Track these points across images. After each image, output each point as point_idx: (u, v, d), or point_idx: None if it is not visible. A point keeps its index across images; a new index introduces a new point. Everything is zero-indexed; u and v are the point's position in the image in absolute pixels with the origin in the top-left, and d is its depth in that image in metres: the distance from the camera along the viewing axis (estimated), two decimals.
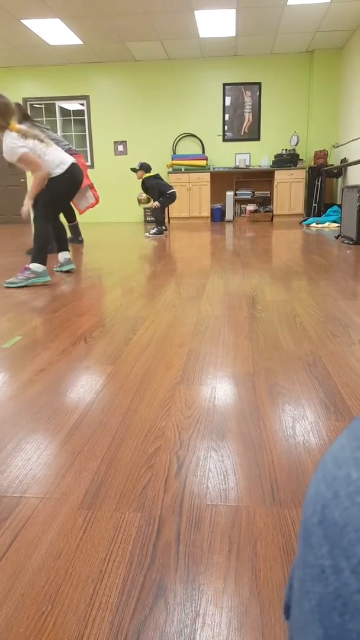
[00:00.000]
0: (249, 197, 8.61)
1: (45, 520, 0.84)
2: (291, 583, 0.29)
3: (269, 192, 8.59)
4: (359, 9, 6.33)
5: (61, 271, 3.54)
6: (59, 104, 9.01)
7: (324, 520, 0.22)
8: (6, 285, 3.00)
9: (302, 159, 8.42)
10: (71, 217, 5.28)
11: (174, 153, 8.86)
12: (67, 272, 3.53)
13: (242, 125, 8.70)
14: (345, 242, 4.92)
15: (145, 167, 6.07)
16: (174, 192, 6.29)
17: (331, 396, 1.31)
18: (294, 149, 8.38)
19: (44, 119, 8.95)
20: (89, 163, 9.04)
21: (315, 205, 8.03)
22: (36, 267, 3.05)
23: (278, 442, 1.08)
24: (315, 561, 0.22)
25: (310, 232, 6.21)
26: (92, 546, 0.77)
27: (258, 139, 8.72)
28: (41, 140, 2.96)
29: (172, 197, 6.25)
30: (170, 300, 2.51)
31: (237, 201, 8.68)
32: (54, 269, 3.58)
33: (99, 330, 2.01)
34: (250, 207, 8.62)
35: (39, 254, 3.07)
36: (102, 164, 9.08)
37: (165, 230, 6.48)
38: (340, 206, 6.27)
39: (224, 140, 8.79)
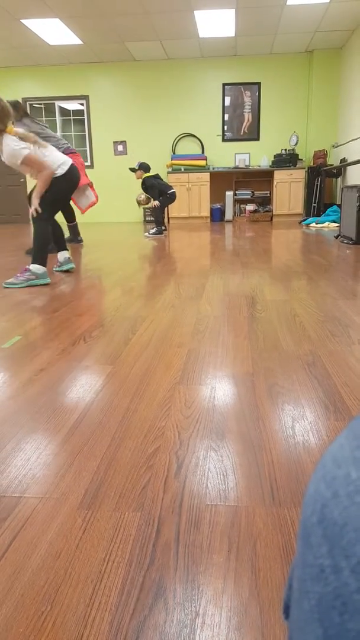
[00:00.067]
0: (249, 197, 8.61)
1: (45, 520, 0.84)
2: (291, 583, 0.29)
3: (268, 192, 8.60)
4: (358, 9, 6.33)
5: (61, 271, 3.54)
6: (58, 103, 9.01)
7: (324, 520, 0.22)
8: (6, 285, 3.00)
9: (301, 159, 8.42)
10: (71, 218, 5.28)
11: (174, 153, 8.86)
12: (67, 271, 3.53)
13: (242, 125, 8.70)
14: (345, 241, 4.92)
15: (144, 167, 6.05)
16: (174, 192, 6.28)
17: (330, 396, 1.31)
18: (293, 149, 8.39)
19: (44, 118, 8.95)
20: (88, 163, 9.03)
21: (315, 205, 8.03)
22: (37, 268, 3.04)
23: (277, 441, 1.08)
24: (315, 561, 0.22)
25: (310, 232, 6.21)
26: (91, 546, 0.77)
27: (257, 139, 8.72)
28: (38, 144, 2.96)
29: (172, 197, 6.25)
30: (170, 300, 2.51)
31: (237, 201, 8.68)
32: (54, 269, 3.58)
33: (99, 330, 2.01)
34: (250, 207, 8.62)
35: (39, 255, 3.07)
36: (102, 163, 9.08)
37: (165, 230, 6.47)
38: (339, 206, 6.27)
39: (224, 140, 8.79)
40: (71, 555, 0.76)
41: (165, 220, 7.47)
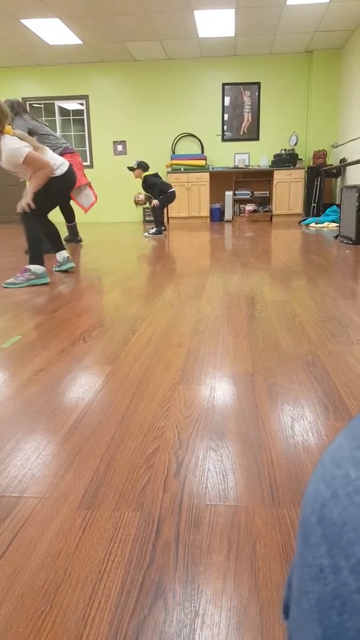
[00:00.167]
0: (248, 197, 8.61)
1: (44, 520, 0.84)
2: (290, 582, 0.29)
3: (268, 192, 8.60)
4: (358, 9, 6.34)
5: (61, 270, 3.53)
6: (58, 103, 9.00)
7: (323, 520, 0.22)
8: (5, 285, 3.00)
9: (301, 159, 8.42)
10: (70, 218, 5.28)
11: (173, 153, 8.86)
12: (66, 271, 3.53)
13: (241, 125, 8.70)
14: (344, 241, 4.93)
15: (143, 166, 6.00)
16: (174, 191, 6.24)
17: (330, 396, 1.31)
18: (293, 149, 8.39)
19: (43, 118, 8.94)
20: (88, 163, 9.03)
21: (314, 205, 8.03)
22: (36, 268, 3.05)
23: (277, 441, 1.08)
24: (314, 560, 0.22)
25: (309, 232, 6.22)
26: (91, 546, 0.77)
27: (257, 138, 8.72)
28: (36, 147, 2.95)
29: (172, 196, 6.21)
30: (170, 300, 2.51)
31: (236, 201, 8.68)
32: (53, 269, 3.58)
33: (98, 330, 2.01)
34: (250, 207, 8.62)
35: (36, 255, 3.07)
36: (102, 163, 9.08)
37: (165, 230, 6.46)
38: (339, 206, 6.27)
39: (223, 140, 8.79)
40: (71, 555, 0.76)
41: (165, 220, 7.46)
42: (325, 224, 6.97)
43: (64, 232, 5.49)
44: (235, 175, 8.70)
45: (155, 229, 6.22)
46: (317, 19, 6.62)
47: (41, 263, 3.09)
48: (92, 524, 0.83)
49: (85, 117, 8.94)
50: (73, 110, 9.23)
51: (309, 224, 7.20)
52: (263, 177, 8.59)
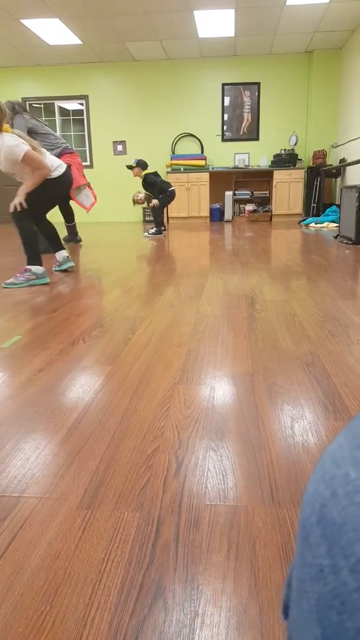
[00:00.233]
0: (248, 197, 8.61)
1: (44, 520, 0.84)
2: (290, 582, 0.29)
3: (267, 192, 8.60)
4: (358, 9, 6.34)
5: (61, 270, 3.53)
6: (58, 103, 9.00)
7: (323, 520, 0.22)
8: (5, 285, 3.00)
9: (301, 159, 8.42)
10: (69, 218, 5.28)
11: (173, 153, 8.86)
12: (66, 270, 3.53)
13: (241, 125, 8.70)
14: (344, 242, 4.93)
15: (142, 164, 5.94)
16: (174, 189, 6.21)
17: (330, 396, 1.31)
18: (292, 149, 8.39)
19: (43, 118, 8.94)
20: (87, 163, 9.03)
21: (314, 205, 8.03)
22: (36, 268, 3.04)
23: (277, 441, 1.08)
24: (314, 560, 0.22)
25: (309, 232, 6.22)
26: (90, 546, 0.77)
27: (257, 139, 8.72)
28: (34, 147, 2.94)
29: (172, 195, 6.17)
30: (169, 300, 2.51)
31: (236, 201, 8.68)
32: (53, 269, 3.58)
33: (98, 330, 2.01)
34: (249, 207, 8.62)
35: (33, 255, 3.05)
36: (101, 163, 9.08)
37: (164, 230, 6.45)
38: (339, 206, 6.27)
39: (223, 140, 8.79)
40: (70, 555, 0.76)
41: (165, 220, 7.45)
42: (325, 224, 6.98)
43: (63, 232, 5.49)
44: (235, 175, 8.70)
45: (155, 229, 6.21)
46: (317, 19, 6.63)
47: (39, 262, 3.08)
48: (91, 524, 0.83)
49: (85, 117, 8.94)
50: (73, 110, 9.23)
51: (309, 224, 7.20)
52: (263, 177, 8.59)
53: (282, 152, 8.42)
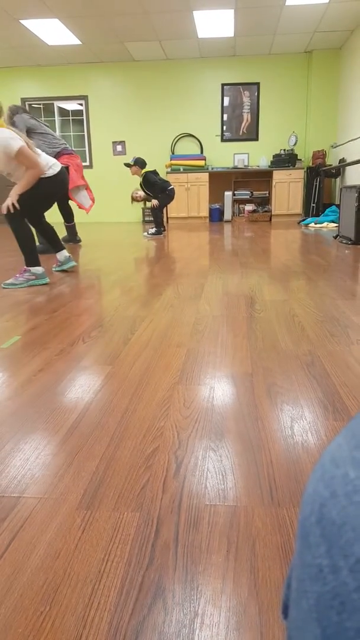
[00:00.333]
0: (248, 197, 8.61)
1: (44, 521, 0.84)
2: (289, 582, 0.29)
3: (267, 192, 8.60)
4: (357, 10, 6.34)
5: (61, 270, 3.53)
6: (57, 104, 9.00)
7: (322, 520, 0.22)
8: (5, 286, 3.00)
9: (300, 159, 8.42)
10: (69, 218, 5.28)
11: (173, 153, 8.86)
12: (67, 270, 3.52)
13: (241, 126, 8.70)
14: (344, 242, 4.93)
15: (140, 162, 5.87)
16: (173, 188, 6.16)
17: (329, 396, 1.31)
18: (292, 149, 8.39)
19: (43, 119, 8.94)
20: (87, 163, 9.03)
21: (314, 205, 8.03)
22: (35, 269, 3.04)
23: (276, 441, 1.08)
24: (313, 560, 0.22)
25: (309, 232, 6.22)
26: (90, 546, 0.77)
27: (256, 139, 8.72)
28: (30, 147, 2.92)
29: (171, 195, 6.13)
30: (169, 300, 2.51)
31: (236, 201, 8.68)
32: (53, 269, 3.58)
33: (98, 330, 2.01)
34: (249, 207, 8.62)
35: (31, 256, 3.02)
36: (101, 164, 9.08)
37: (164, 230, 6.44)
38: (338, 206, 6.28)
39: (223, 140, 8.79)
40: (70, 555, 0.76)
41: (165, 220, 7.44)
42: (325, 224, 6.98)
43: (62, 232, 5.49)
44: (234, 176, 8.71)
45: (154, 229, 6.20)
46: (317, 20, 6.63)
47: (37, 263, 3.06)
48: (91, 524, 0.83)
49: (84, 117, 8.94)
50: (72, 111, 9.23)
51: (308, 224, 7.21)
52: (262, 177, 8.59)
53: (282, 152, 8.42)
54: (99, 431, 1.15)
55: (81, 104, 8.93)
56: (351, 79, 7.36)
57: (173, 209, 8.38)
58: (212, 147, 8.82)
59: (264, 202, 8.67)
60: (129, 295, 2.68)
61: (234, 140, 8.77)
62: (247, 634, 0.61)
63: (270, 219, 8.48)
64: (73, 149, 5.22)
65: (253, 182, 8.72)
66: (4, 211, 2.91)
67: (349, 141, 7.43)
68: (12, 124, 4.29)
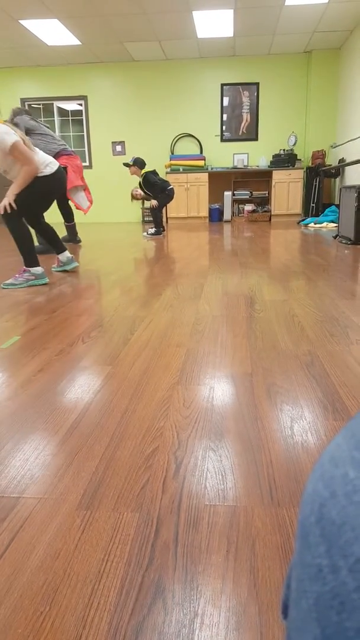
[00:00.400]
0: (247, 197, 8.61)
1: (44, 521, 0.84)
2: (289, 582, 0.29)
3: (267, 192, 8.60)
4: (357, 10, 6.34)
5: (64, 270, 3.52)
6: (57, 104, 9.00)
7: (322, 520, 0.22)
8: (4, 286, 3.00)
9: (300, 159, 8.43)
10: (69, 218, 5.28)
11: (172, 153, 8.86)
12: (68, 270, 3.52)
13: (240, 126, 8.70)
14: (343, 242, 4.93)
15: (139, 163, 5.85)
16: (173, 188, 6.15)
17: (329, 396, 1.31)
18: (291, 149, 8.39)
19: (42, 119, 8.94)
20: (86, 163, 9.03)
21: (313, 205, 8.04)
22: (35, 269, 3.04)
23: (276, 441, 1.08)
24: (313, 560, 0.22)
25: (308, 232, 6.22)
26: (90, 546, 0.77)
27: (256, 139, 8.72)
28: (27, 144, 2.87)
29: (170, 194, 6.12)
30: (169, 300, 2.51)
31: (235, 201, 8.68)
32: (52, 269, 3.58)
33: (97, 330, 2.01)
34: (249, 207, 8.62)
35: (30, 256, 3.00)
36: (100, 164, 9.08)
37: (164, 230, 6.43)
38: (338, 206, 6.28)
39: (222, 140, 8.80)
40: (70, 555, 0.76)
41: (164, 220, 7.43)
42: (324, 224, 6.98)
43: (62, 232, 5.49)
44: (234, 176, 8.71)
45: (154, 229, 6.20)
46: (316, 20, 6.63)
47: (36, 263, 3.05)
48: (91, 524, 0.83)
49: (84, 117, 8.94)
50: (72, 111, 9.23)
51: (308, 224, 7.21)
52: (262, 178, 8.59)
53: (281, 152, 8.42)
54: (98, 431, 1.15)
55: (81, 104, 8.93)
56: (350, 78, 7.36)
57: (173, 209, 8.38)
58: (212, 147, 8.82)
59: (264, 202, 8.67)
60: (128, 295, 2.68)
61: (234, 140, 8.77)
62: (247, 634, 0.61)
63: (270, 219, 8.48)
64: (72, 149, 5.21)
65: (252, 182, 8.72)
66: (1, 211, 2.88)
67: (348, 141, 7.44)
68: (15, 125, 4.31)
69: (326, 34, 7.22)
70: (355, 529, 0.20)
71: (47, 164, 3.00)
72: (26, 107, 8.79)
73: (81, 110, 9.01)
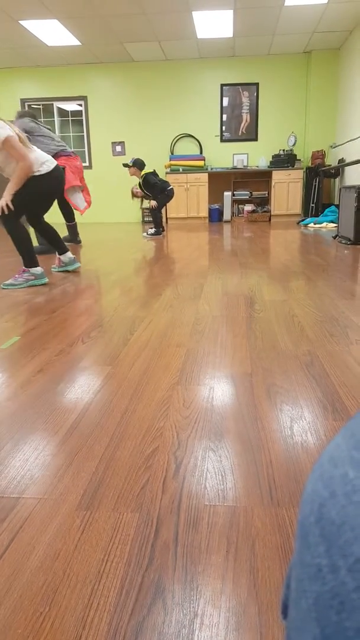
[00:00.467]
0: (247, 197, 8.61)
1: (43, 521, 0.84)
2: (289, 582, 0.29)
3: (266, 193, 8.60)
4: (356, 10, 6.35)
5: (65, 270, 3.52)
6: (57, 104, 9.00)
7: (321, 519, 0.22)
8: (4, 287, 2.99)
9: (299, 160, 8.43)
10: (69, 217, 5.27)
11: (172, 153, 8.86)
12: (69, 270, 3.52)
13: (240, 126, 8.70)
14: (343, 242, 4.93)
15: (139, 164, 5.84)
16: (172, 188, 6.15)
17: (329, 396, 1.31)
18: (291, 150, 8.40)
19: (42, 119, 8.94)
20: (86, 163, 9.03)
21: (313, 205, 8.04)
22: (34, 269, 3.03)
23: (276, 442, 1.08)
24: (312, 560, 0.22)
25: (308, 232, 6.22)
26: (90, 547, 0.77)
27: (256, 139, 8.73)
28: (24, 142, 2.83)
29: (170, 195, 6.12)
30: (169, 301, 2.51)
31: (235, 201, 8.68)
32: (52, 269, 3.58)
33: (97, 330, 2.01)
34: (248, 207, 8.62)
35: (28, 257, 2.98)
36: (100, 164, 9.08)
37: (163, 230, 6.43)
38: (337, 206, 6.28)
39: (222, 140, 8.80)
40: (70, 555, 0.75)
41: (164, 220, 7.43)
42: (324, 224, 6.98)
43: (63, 232, 5.49)
44: (233, 176, 8.71)
45: (154, 229, 6.20)
46: (316, 20, 6.63)
47: (36, 263, 3.04)
48: (91, 524, 0.83)
49: (84, 118, 8.94)
50: (72, 111, 9.23)
51: (308, 224, 7.21)
52: (261, 178, 8.59)
53: (281, 152, 8.43)
54: (98, 431, 1.15)
55: (80, 105, 8.93)
56: (350, 79, 7.37)
57: (172, 209, 8.38)
58: (212, 148, 8.83)
59: (263, 202, 8.68)
60: (128, 295, 2.68)
61: (233, 141, 8.78)
62: (247, 634, 0.61)
63: (270, 219, 8.48)
64: (72, 149, 5.20)
65: (252, 183, 8.72)
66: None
67: (348, 141, 7.44)
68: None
69: (326, 34, 7.23)
70: (355, 529, 0.20)
71: (43, 162, 2.94)
72: (26, 108, 8.80)
73: (81, 111, 9.01)
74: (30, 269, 3.02)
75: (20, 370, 1.57)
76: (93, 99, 8.79)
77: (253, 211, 8.55)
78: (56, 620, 0.64)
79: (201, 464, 1.00)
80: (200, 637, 0.61)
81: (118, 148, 8.99)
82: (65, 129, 9.29)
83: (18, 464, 1.02)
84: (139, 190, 6.21)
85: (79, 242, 5.55)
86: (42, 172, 2.93)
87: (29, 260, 3.00)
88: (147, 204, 6.25)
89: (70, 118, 9.27)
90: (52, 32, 6.92)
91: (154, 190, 5.97)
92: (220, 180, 8.78)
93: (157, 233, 6.18)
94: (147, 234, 6.25)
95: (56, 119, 9.06)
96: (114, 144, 8.98)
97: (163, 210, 6.54)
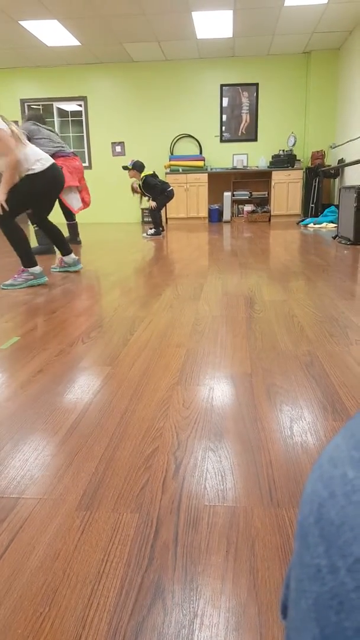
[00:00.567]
0: (247, 197, 8.61)
1: (43, 522, 0.84)
2: (288, 583, 0.29)
3: (266, 193, 8.60)
4: (356, 10, 6.35)
5: (66, 271, 3.52)
6: (56, 105, 9.00)
7: (321, 520, 0.22)
8: (4, 287, 2.99)
9: (299, 160, 8.43)
10: (70, 216, 5.27)
11: (172, 154, 8.86)
12: (70, 271, 3.52)
13: (240, 126, 8.71)
14: (343, 242, 4.93)
15: (138, 166, 5.85)
16: (172, 189, 6.16)
17: (329, 396, 1.31)
18: (291, 150, 8.40)
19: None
20: (86, 164, 9.03)
21: (313, 205, 8.04)
22: (33, 269, 3.03)
23: (276, 442, 1.08)
24: (312, 560, 0.22)
25: (308, 233, 6.22)
26: (90, 547, 0.77)
27: (255, 139, 8.73)
28: (19, 140, 2.77)
29: (170, 195, 6.12)
30: (168, 301, 2.51)
31: (235, 202, 8.68)
32: (52, 269, 3.58)
33: (97, 330, 2.01)
34: (248, 207, 8.62)
35: (26, 257, 2.96)
36: (100, 164, 9.08)
37: (163, 231, 6.43)
38: (337, 206, 6.28)
39: (222, 141, 8.80)
40: (69, 556, 0.76)
41: (163, 220, 7.43)
42: (324, 224, 6.98)
43: (62, 232, 5.48)
44: (233, 176, 8.71)
45: (153, 229, 6.20)
46: (315, 20, 6.64)
47: (34, 263, 3.02)
48: (90, 524, 0.83)
49: (83, 118, 8.94)
50: (71, 112, 9.23)
51: (308, 224, 7.21)
52: (261, 178, 8.60)
53: (281, 152, 8.43)
54: (98, 432, 1.15)
55: (80, 105, 8.93)
56: (350, 79, 7.37)
57: (172, 210, 8.38)
58: (211, 148, 8.83)
59: (263, 202, 8.68)
60: (128, 295, 2.68)
61: (233, 141, 8.78)
62: (247, 634, 0.61)
63: (269, 220, 8.48)
64: (72, 150, 5.19)
65: (252, 183, 8.73)
66: None
67: (347, 141, 7.44)
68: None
69: (325, 34, 7.23)
70: (354, 529, 0.20)
71: (37, 160, 2.86)
72: (27, 109, 8.80)
73: (81, 111, 9.01)
74: (29, 269, 3.02)
75: (20, 371, 1.57)
76: (93, 99, 8.79)
77: (253, 211, 8.55)
78: (56, 621, 0.64)
79: (201, 464, 1.00)
80: (200, 638, 0.61)
81: (118, 148, 8.99)
82: (65, 129, 9.29)
83: (18, 464, 1.02)
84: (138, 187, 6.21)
85: (79, 242, 5.54)
86: (36, 171, 2.86)
87: (27, 260, 2.99)
88: (146, 204, 6.26)
89: (70, 118, 9.27)
90: (52, 33, 6.92)
91: (154, 191, 5.97)
92: (220, 181, 8.78)
93: (156, 233, 6.18)
94: (147, 234, 6.25)
95: (56, 119, 9.06)
96: (113, 144, 8.98)
97: (163, 211, 6.54)
